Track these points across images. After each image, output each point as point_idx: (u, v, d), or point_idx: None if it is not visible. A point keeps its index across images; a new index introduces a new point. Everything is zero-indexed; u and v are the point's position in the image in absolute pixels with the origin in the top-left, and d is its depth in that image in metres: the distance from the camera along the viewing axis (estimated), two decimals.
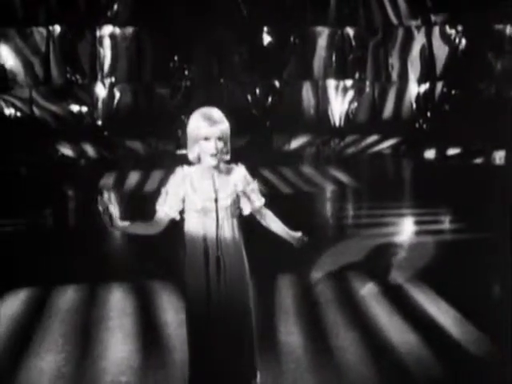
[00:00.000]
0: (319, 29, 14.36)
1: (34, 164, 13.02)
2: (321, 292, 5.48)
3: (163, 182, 3.37)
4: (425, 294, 5.37)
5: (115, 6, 14.32)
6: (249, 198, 3.25)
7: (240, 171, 3.26)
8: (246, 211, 3.28)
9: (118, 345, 4.43)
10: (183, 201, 3.22)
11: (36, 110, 14.38)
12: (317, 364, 4.14)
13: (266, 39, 14.48)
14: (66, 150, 13.83)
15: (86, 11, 14.12)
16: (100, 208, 3.05)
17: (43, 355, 4.26)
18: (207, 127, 3.12)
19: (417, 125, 14.23)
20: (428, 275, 5.86)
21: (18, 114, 14.42)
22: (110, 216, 3.06)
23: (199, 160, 3.20)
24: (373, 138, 14.04)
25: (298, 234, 3.40)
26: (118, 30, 14.41)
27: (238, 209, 3.26)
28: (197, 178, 3.22)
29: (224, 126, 3.18)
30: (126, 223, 3.18)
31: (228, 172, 3.24)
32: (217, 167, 3.20)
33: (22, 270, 6.27)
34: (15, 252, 6.98)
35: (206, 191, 3.18)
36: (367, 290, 5.49)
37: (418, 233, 7.83)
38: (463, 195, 9.26)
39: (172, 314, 4.93)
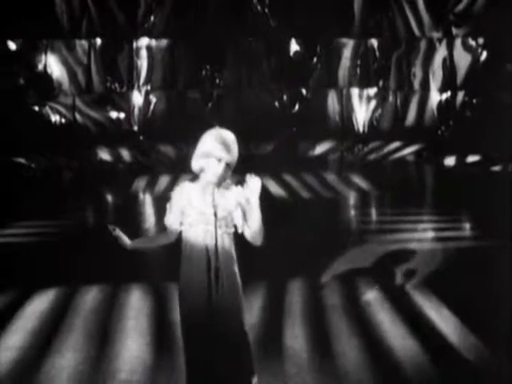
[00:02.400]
0: (344, 40, 14.31)
1: (75, 168, 13.31)
2: (329, 297, 5.47)
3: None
4: (429, 301, 5.31)
5: (151, 20, 14.53)
6: (243, 216, 3.22)
7: (238, 189, 3.25)
8: (241, 228, 3.26)
9: (133, 344, 4.50)
10: (182, 214, 3.27)
11: (78, 117, 14.68)
12: (318, 369, 4.12)
13: (294, 49, 14.48)
14: (104, 155, 14.08)
15: (124, 25, 14.38)
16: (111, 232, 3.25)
17: (64, 352, 4.36)
18: (222, 151, 3.13)
19: (438, 132, 14.04)
20: (434, 282, 5.78)
21: (63, 120, 14.75)
22: (117, 238, 3.23)
23: (200, 172, 3.25)
24: (395, 144, 13.91)
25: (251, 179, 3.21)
26: (153, 42, 14.62)
27: (233, 226, 3.25)
28: (196, 193, 3.23)
29: (236, 154, 3.19)
30: (135, 241, 3.30)
31: (227, 190, 3.24)
32: (217, 184, 3.23)
33: (54, 269, 6.42)
34: (49, 253, 7.14)
35: (203, 205, 3.21)
36: (371, 296, 5.45)
37: (431, 239, 7.72)
38: (480, 202, 9.10)
39: None
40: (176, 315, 4.96)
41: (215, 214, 3.19)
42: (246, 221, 3.27)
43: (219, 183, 3.20)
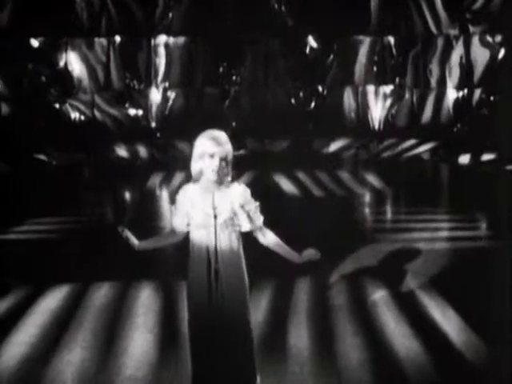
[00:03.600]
0: (361, 37, 14.24)
1: (93, 164, 13.46)
2: (335, 296, 5.48)
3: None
4: (434, 301, 5.29)
5: (169, 18, 14.61)
6: (248, 216, 3.28)
7: (239, 189, 3.30)
8: (245, 228, 3.31)
9: (140, 341, 4.57)
10: (187, 216, 3.33)
11: (97, 114, 14.83)
12: (320, 368, 4.15)
13: (310, 46, 14.45)
14: (122, 151, 14.21)
15: (142, 23, 14.48)
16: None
17: (72, 348, 4.46)
18: (213, 146, 3.20)
19: (454, 130, 13.91)
20: (441, 282, 5.74)
21: (82, 117, 14.91)
22: (126, 239, 3.35)
23: (200, 176, 3.29)
24: (410, 142, 13.82)
25: (308, 251, 3.39)
26: (171, 39, 14.71)
27: (236, 225, 3.30)
28: (197, 194, 3.29)
29: (228, 147, 3.24)
30: (144, 242, 3.40)
31: (228, 189, 3.28)
32: (217, 184, 3.26)
33: (68, 266, 6.51)
34: (63, 249, 7.24)
35: (205, 207, 3.26)
36: (377, 296, 5.46)
37: (442, 239, 7.67)
38: (494, 201, 8.99)
39: None
40: (184, 313, 5.07)
41: (215, 216, 3.25)
42: (251, 220, 3.30)
43: (220, 181, 3.25)
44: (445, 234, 7.98)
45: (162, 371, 4.11)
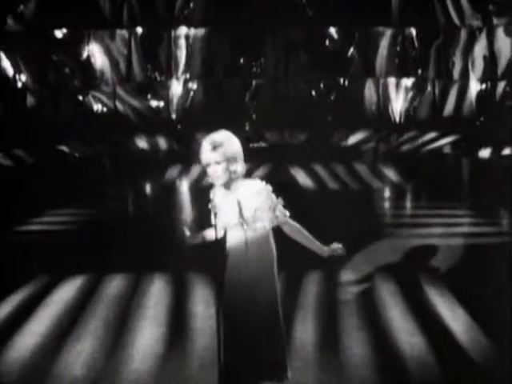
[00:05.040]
0: (382, 29, 14.12)
1: (113, 156, 13.64)
2: (343, 291, 5.52)
3: None
4: (444, 298, 5.28)
5: (189, 9, 14.67)
6: (272, 213, 3.27)
7: (260, 186, 3.28)
8: (271, 224, 3.30)
9: (148, 333, 4.67)
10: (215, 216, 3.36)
11: (119, 105, 15.00)
12: (323, 364, 4.17)
13: (331, 38, 14.39)
14: (142, 143, 14.36)
15: (163, 15, 14.58)
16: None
17: (83, 339, 4.58)
18: (206, 153, 3.20)
19: (477, 123, 13.73)
20: (453, 280, 5.72)
21: (104, 108, 15.10)
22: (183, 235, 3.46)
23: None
24: (431, 135, 13.68)
25: (335, 246, 3.43)
26: (192, 31, 14.77)
27: (262, 222, 3.28)
28: (220, 196, 3.34)
29: (224, 148, 3.21)
30: (195, 236, 3.49)
31: (248, 189, 3.28)
32: (232, 186, 3.27)
33: (84, 257, 6.64)
34: (81, 241, 7.41)
35: (228, 208, 3.29)
36: (385, 291, 5.47)
37: (458, 235, 7.59)
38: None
39: (202, 307, 5.11)
40: (194, 306, 5.17)
41: (240, 216, 3.25)
42: (276, 215, 3.28)
43: (226, 184, 3.28)
44: (464, 229, 7.90)
45: (168, 364, 4.18)
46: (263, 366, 3.32)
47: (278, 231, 3.38)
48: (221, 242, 3.37)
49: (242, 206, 3.25)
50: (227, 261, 3.33)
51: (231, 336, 3.31)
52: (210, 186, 3.40)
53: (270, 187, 3.31)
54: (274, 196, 3.30)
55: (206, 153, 3.22)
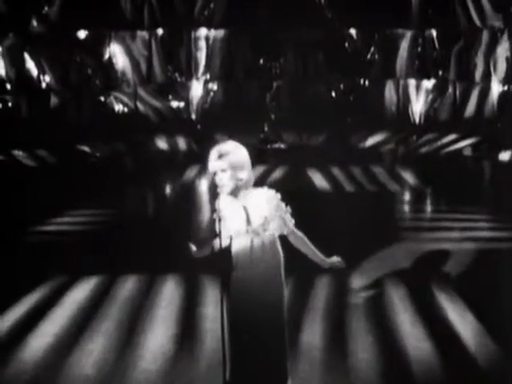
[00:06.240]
0: (402, 30, 14.06)
1: (134, 156, 13.81)
2: (353, 295, 5.54)
3: None
4: (454, 304, 5.28)
5: (209, 10, 14.79)
6: (279, 221, 3.32)
7: (269, 195, 3.33)
8: (277, 233, 3.36)
9: (159, 334, 4.75)
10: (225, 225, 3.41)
11: (140, 106, 15.19)
12: (330, 367, 4.21)
13: (350, 39, 14.38)
14: (162, 144, 14.51)
15: (183, 16, 14.72)
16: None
17: (94, 339, 4.70)
18: (212, 161, 3.27)
19: (498, 125, 13.59)
20: (462, 284, 5.72)
21: (125, 109, 15.30)
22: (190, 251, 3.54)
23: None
24: (451, 137, 13.59)
25: (335, 259, 3.49)
26: (211, 32, 14.89)
27: (269, 230, 3.33)
28: (228, 204, 3.38)
29: (230, 157, 3.27)
30: (200, 249, 3.55)
31: (256, 197, 3.32)
32: (240, 194, 3.33)
33: (100, 258, 6.77)
34: (97, 241, 7.54)
35: (237, 216, 3.34)
36: (395, 296, 5.49)
37: (474, 239, 7.52)
38: None
39: (213, 308, 5.18)
40: (205, 308, 5.24)
41: (248, 224, 3.31)
42: (283, 224, 3.33)
43: (232, 192, 3.35)
44: (481, 234, 7.82)
45: (177, 365, 4.27)
46: (265, 375, 3.38)
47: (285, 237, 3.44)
48: (227, 250, 3.43)
49: (249, 214, 3.31)
50: (233, 268, 3.40)
51: (236, 341, 3.37)
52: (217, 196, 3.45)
53: (279, 195, 3.36)
54: (283, 204, 3.35)
55: (212, 161, 3.29)
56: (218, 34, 14.84)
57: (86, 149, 14.13)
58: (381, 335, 4.72)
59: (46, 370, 4.25)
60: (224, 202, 3.39)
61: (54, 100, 15.11)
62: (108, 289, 5.78)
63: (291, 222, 3.38)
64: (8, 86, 15.04)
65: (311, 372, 4.15)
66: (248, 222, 3.30)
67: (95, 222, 8.53)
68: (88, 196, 9.88)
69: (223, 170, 3.28)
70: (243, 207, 3.31)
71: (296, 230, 3.41)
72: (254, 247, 3.33)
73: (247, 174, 3.33)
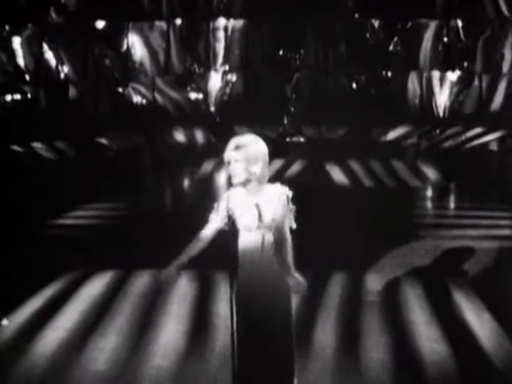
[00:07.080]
0: (426, 20, 13.91)
1: (151, 148, 13.90)
2: (368, 293, 5.57)
3: None
4: (470, 302, 5.28)
5: (228, 1, 14.78)
6: (288, 218, 3.36)
7: (281, 191, 3.37)
8: (287, 228, 3.39)
9: (171, 330, 4.84)
10: (228, 217, 3.48)
11: (158, 97, 15.28)
12: (341, 366, 4.25)
13: (372, 30, 14.27)
14: (180, 136, 14.58)
15: (202, 6, 14.74)
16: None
17: (107, 335, 4.79)
18: (228, 152, 3.33)
19: None
20: (480, 283, 5.71)
21: (143, 101, 15.41)
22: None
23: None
24: (476, 130, 13.44)
25: (300, 279, 3.44)
26: (230, 22, 14.89)
27: (279, 226, 3.35)
28: (239, 198, 3.43)
29: (247, 149, 3.31)
30: (176, 263, 3.70)
31: (269, 193, 3.37)
32: (253, 189, 3.37)
33: (115, 253, 6.86)
34: (113, 236, 7.65)
35: (249, 210, 3.38)
36: (410, 294, 5.50)
37: (491, 237, 7.48)
38: None
39: (224, 305, 5.24)
40: (217, 304, 5.31)
41: (259, 218, 3.36)
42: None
43: (243, 184, 3.40)
44: (504, 232, 7.76)
45: (188, 362, 4.34)
46: (272, 376, 3.44)
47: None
48: (234, 244, 3.49)
49: (261, 210, 3.36)
50: (240, 263, 3.45)
51: (243, 338, 3.43)
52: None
53: (291, 193, 3.40)
54: (291, 202, 3.39)
55: (228, 151, 3.34)
56: (236, 24, 14.84)
57: (104, 141, 14.26)
58: (396, 335, 4.74)
59: (59, 363, 4.37)
60: (235, 197, 3.44)
61: (72, 91, 15.28)
62: (121, 284, 5.88)
63: (291, 221, 3.43)
64: (27, 77, 15.26)
65: (322, 371, 4.20)
66: (260, 218, 3.35)
67: (111, 217, 8.65)
68: (104, 190, 10.00)
69: (237, 161, 3.32)
70: (256, 205, 3.35)
71: (288, 232, 3.43)
72: (265, 243, 3.38)
73: (261, 168, 3.35)
